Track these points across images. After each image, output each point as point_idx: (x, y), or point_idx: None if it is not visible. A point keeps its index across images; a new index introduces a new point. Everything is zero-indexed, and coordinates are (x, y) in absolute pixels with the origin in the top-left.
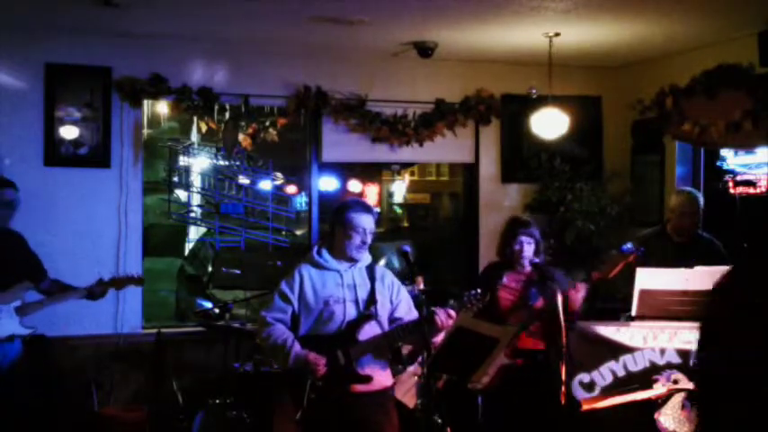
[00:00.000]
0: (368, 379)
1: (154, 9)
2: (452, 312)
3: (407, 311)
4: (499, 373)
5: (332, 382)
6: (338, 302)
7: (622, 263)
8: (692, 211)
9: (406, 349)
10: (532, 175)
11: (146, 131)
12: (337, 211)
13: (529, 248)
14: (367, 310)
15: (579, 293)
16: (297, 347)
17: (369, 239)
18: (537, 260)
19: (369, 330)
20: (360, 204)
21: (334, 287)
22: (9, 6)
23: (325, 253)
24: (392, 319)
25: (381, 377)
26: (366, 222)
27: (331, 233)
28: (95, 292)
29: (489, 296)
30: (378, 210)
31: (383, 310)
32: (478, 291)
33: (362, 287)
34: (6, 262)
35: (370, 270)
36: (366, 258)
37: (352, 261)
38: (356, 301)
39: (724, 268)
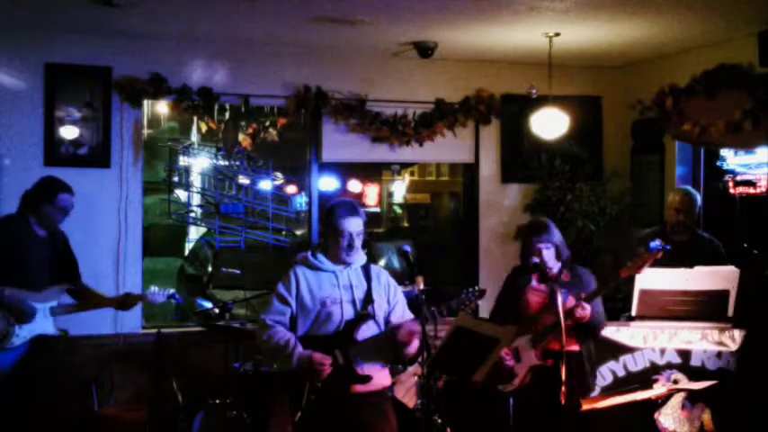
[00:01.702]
0: (367, 379)
1: (154, 9)
2: (416, 326)
3: (401, 316)
4: (530, 375)
5: (331, 382)
6: (335, 303)
7: (651, 260)
8: (685, 207)
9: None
10: (532, 175)
11: (146, 131)
12: (325, 215)
13: (548, 254)
14: (364, 310)
15: (585, 311)
16: (299, 348)
17: (357, 242)
18: (558, 264)
19: (367, 330)
20: (345, 207)
21: (330, 288)
22: (9, 6)
23: (319, 255)
24: (387, 321)
25: (380, 377)
26: (352, 226)
27: (323, 236)
28: (126, 303)
29: (516, 300)
30: (377, 209)
31: (380, 310)
32: (476, 288)
33: (359, 287)
34: (50, 262)
35: (366, 270)
36: (361, 259)
37: (345, 263)
38: (353, 302)
39: (725, 268)
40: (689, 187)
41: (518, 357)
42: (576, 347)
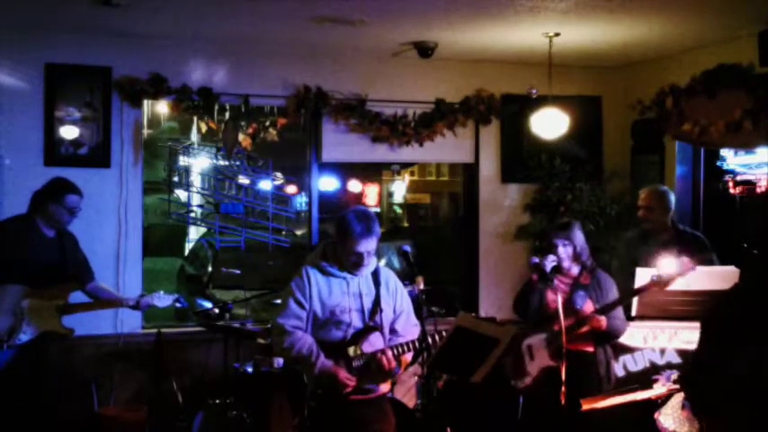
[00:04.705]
0: (369, 391)
1: (154, 9)
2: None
3: (404, 325)
4: (542, 375)
5: (332, 391)
6: (344, 312)
7: (681, 275)
8: (649, 204)
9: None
10: (532, 175)
11: (146, 131)
12: (339, 226)
13: (565, 251)
14: (371, 320)
15: (601, 323)
16: (322, 359)
17: (368, 261)
18: (576, 266)
19: (373, 341)
20: (361, 225)
21: (340, 296)
22: (9, 6)
23: (331, 260)
24: (391, 329)
25: (380, 387)
26: (365, 247)
27: (335, 242)
28: (140, 303)
29: (539, 298)
30: (377, 209)
31: (386, 319)
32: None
33: (368, 295)
34: (58, 262)
35: (375, 275)
36: (372, 264)
37: (354, 275)
38: (362, 310)
39: (725, 268)
40: (659, 185)
41: (532, 355)
42: (590, 348)
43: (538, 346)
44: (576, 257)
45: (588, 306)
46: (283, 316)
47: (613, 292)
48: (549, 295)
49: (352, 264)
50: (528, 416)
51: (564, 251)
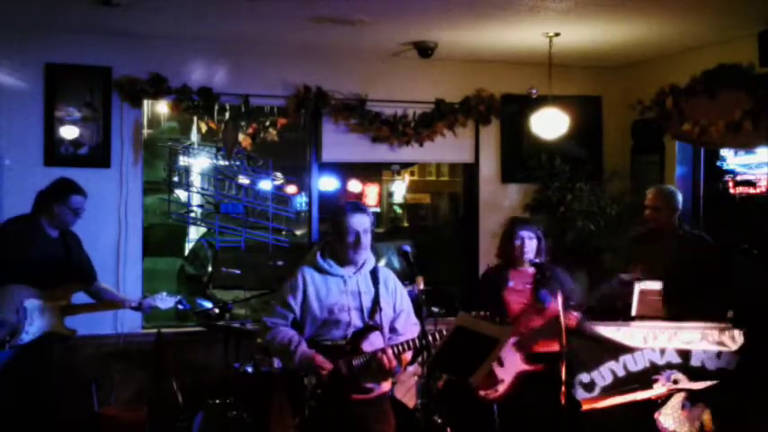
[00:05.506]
0: (369, 391)
1: (154, 9)
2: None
3: (404, 324)
4: (517, 381)
5: (332, 390)
6: (343, 310)
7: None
8: (655, 204)
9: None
10: (532, 175)
11: (146, 131)
12: (333, 217)
13: (530, 244)
14: (371, 319)
15: (571, 321)
16: (303, 347)
17: (365, 240)
18: (537, 260)
19: (373, 340)
20: (351, 204)
21: (338, 294)
22: (9, 6)
23: (329, 258)
24: (391, 328)
25: (381, 386)
26: (359, 223)
27: (330, 238)
28: (142, 305)
29: (496, 300)
30: (377, 209)
31: (386, 318)
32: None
33: (367, 294)
34: (62, 262)
35: (374, 274)
36: (370, 262)
37: (355, 265)
38: (361, 309)
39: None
40: (667, 185)
41: (500, 362)
42: (556, 348)
43: (506, 352)
44: (538, 253)
45: (554, 304)
46: (268, 315)
47: (570, 284)
48: (509, 297)
49: (351, 246)
50: (506, 422)
51: (529, 244)
